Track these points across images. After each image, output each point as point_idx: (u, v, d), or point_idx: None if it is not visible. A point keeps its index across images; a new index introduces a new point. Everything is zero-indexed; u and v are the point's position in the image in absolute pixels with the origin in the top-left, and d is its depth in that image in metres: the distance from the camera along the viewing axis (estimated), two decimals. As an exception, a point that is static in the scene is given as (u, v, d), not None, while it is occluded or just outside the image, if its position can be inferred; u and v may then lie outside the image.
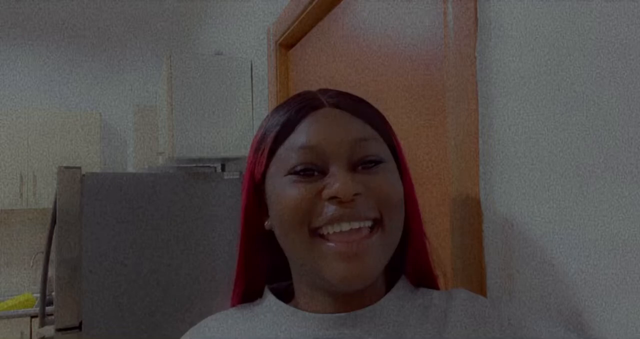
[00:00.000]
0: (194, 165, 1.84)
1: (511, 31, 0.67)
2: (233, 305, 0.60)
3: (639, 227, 0.51)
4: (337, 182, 0.46)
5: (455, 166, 0.75)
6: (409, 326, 0.50)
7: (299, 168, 0.48)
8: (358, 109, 0.53)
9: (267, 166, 0.52)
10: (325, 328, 0.50)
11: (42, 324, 1.68)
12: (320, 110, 0.51)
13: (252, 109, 1.91)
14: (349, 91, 1.16)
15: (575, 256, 0.58)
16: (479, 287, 0.70)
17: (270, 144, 0.51)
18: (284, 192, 0.48)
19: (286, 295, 0.59)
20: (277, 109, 0.54)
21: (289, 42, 1.56)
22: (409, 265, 0.56)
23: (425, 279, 0.57)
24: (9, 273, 3.56)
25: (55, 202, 1.59)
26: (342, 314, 0.50)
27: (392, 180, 0.50)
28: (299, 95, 0.54)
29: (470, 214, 0.72)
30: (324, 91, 0.54)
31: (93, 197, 1.53)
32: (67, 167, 1.52)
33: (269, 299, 0.56)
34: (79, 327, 1.49)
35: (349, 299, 0.51)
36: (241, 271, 0.57)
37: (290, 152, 0.49)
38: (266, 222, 0.54)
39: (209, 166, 1.79)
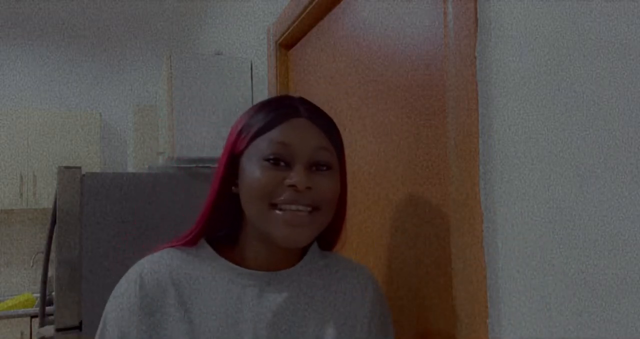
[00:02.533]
0: (194, 165, 1.84)
1: (511, 31, 0.67)
2: (171, 246, 0.73)
3: (639, 227, 0.51)
4: (298, 176, 0.64)
5: (455, 166, 0.75)
6: (311, 285, 0.72)
7: (271, 156, 0.65)
8: (324, 125, 0.69)
9: (247, 146, 0.68)
10: (249, 280, 0.69)
11: (42, 324, 1.68)
12: (297, 119, 0.67)
13: (252, 109, 1.90)
14: (349, 91, 1.16)
15: (575, 256, 0.58)
16: (479, 287, 0.70)
17: (254, 132, 0.67)
18: (257, 172, 0.65)
19: (218, 244, 0.76)
20: (264, 105, 0.70)
21: (289, 42, 1.56)
22: (327, 235, 0.77)
23: (330, 244, 0.79)
24: (9, 273, 3.56)
25: (55, 202, 1.59)
26: (263, 273, 0.70)
27: (333, 183, 0.68)
28: (284, 98, 0.70)
29: (470, 214, 0.72)
30: (303, 102, 0.70)
31: (93, 197, 1.53)
32: (67, 167, 1.52)
33: (206, 249, 0.72)
34: (79, 327, 1.49)
35: (279, 258, 0.71)
36: (203, 222, 0.71)
37: (268, 143, 0.65)
38: (234, 187, 0.71)
39: (209, 166, 1.79)
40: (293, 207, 0.64)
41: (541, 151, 0.62)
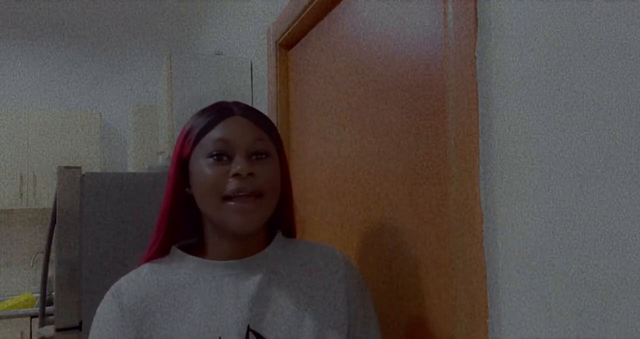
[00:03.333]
0: (194, 165, 1.84)
1: (511, 31, 0.67)
2: (146, 260, 0.78)
3: (639, 227, 0.51)
4: (239, 164, 0.70)
5: (455, 166, 0.75)
6: (284, 265, 0.77)
7: (214, 153, 0.71)
8: (257, 119, 0.76)
9: (192, 149, 0.74)
10: (223, 270, 0.74)
11: (42, 324, 1.68)
12: (232, 117, 0.75)
13: (252, 109, 1.91)
14: (349, 91, 1.16)
15: (575, 256, 0.58)
16: (479, 287, 0.70)
17: (196, 134, 0.74)
18: (204, 170, 0.71)
19: (190, 250, 0.82)
20: (202, 112, 0.77)
21: (289, 42, 1.56)
22: (283, 223, 0.84)
23: (290, 231, 0.85)
24: (9, 273, 3.56)
25: (55, 202, 1.59)
26: (236, 260, 0.75)
27: (274, 169, 0.74)
28: (219, 103, 0.78)
29: (470, 214, 0.72)
30: (237, 103, 0.78)
31: (93, 197, 1.53)
32: (67, 167, 1.52)
33: (177, 254, 0.77)
34: (79, 327, 1.49)
35: (244, 248, 0.76)
36: (164, 227, 0.77)
37: (210, 142, 0.72)
38: (187, 189, 0.77)
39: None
40: (241, 194, 0.69)
41: (541, 151, 0.62)
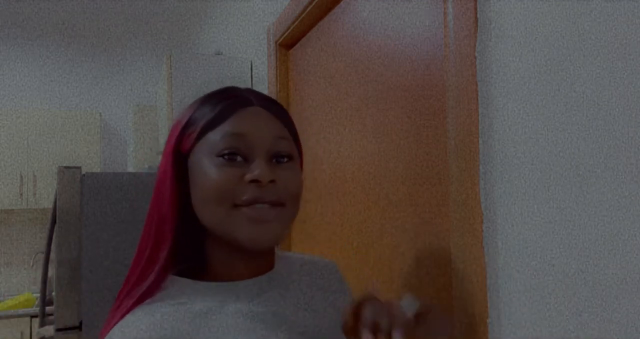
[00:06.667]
0: (194, 165, 1.84)
1: (511, 31, 0.67)
2: (136, 303, 0.57)
3: (639, 227, 0.51)
4: (259, 169, 0.56)
5: (455, 166, 0.75)
6: (294, 282, 0.66)
7: (226, 151, 0.57)
8: (279, 113, 0.62)
9: (194, 144, 0.59)
10: (251, 290, 0.61)
11: (42, 324, 1.68)
12: (251, 107, 0.60)
13: (252, 109, 1.90)
14: (349, 91, 1.16)
15: (575, 256, 0.58)
16: (479, 287, 0.70)
17: (201, 126, 0.59)
18: (210, 172, 0.56)
19: (191, 275, 0.63)
20: (211, 97, 0.61)
21: (289, 42, 1.56)
22: None
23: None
24: (9, 273, 3.56)
25: (55, 202, 1.59)
26: (258, 277, 0.62)
27: (297, 175, 0.61)
28: (231, 89, 0.62)
29: (470, 214, 0.72)
30: (252, 92, 0.63)
31: (93, 197, 1.53)
32: (67, 167, 1.52)
33: (178, 284, 0.59)
34: (79, 327, 1.49)
35: (259, 266, 0.63)
36: (167, 248, 0.58)
37: (221, 136, 0.57)
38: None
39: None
40: (257, 206, 0.56)
41: (541, 151, 0.62)
